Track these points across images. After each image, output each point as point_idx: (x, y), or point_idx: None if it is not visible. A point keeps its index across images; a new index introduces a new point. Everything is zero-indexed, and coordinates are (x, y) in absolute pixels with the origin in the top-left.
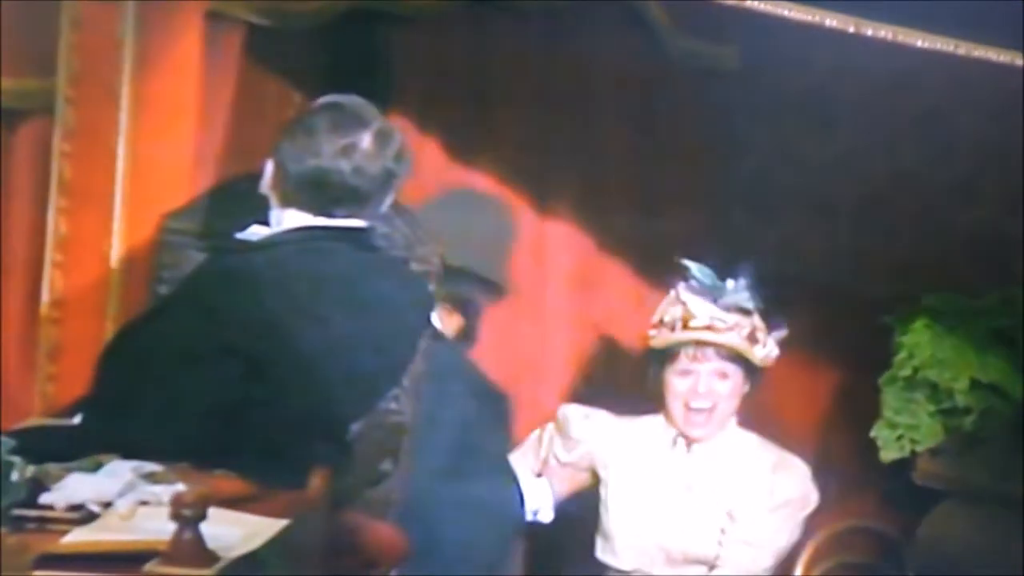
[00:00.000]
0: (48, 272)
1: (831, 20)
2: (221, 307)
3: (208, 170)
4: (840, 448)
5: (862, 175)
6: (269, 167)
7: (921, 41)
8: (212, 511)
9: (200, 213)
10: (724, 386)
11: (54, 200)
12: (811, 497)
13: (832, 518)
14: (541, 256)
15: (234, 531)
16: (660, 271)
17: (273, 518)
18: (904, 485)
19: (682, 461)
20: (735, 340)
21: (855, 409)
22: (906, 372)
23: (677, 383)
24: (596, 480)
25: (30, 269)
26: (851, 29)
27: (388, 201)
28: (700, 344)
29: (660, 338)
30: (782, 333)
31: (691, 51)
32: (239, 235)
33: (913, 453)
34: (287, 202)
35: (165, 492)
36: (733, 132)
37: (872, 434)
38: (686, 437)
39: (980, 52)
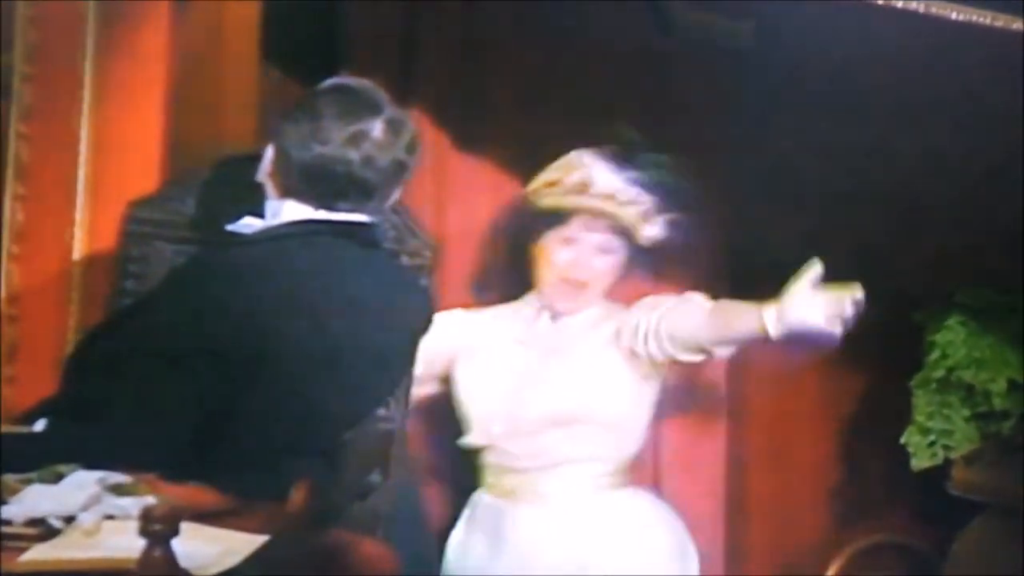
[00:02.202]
0: (4, 265)
1: None
2: (208, 306)
3: (179, 154)
4: (868, 456)
5: (890, 161)
6: (269, 153)
7: (956, 14)
8: (185, 526)
9: (170, 202)
10: (605, 262)
11: (10, 186)
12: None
13: (860, 533)
14: None
15: (209, 548)
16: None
17: (251, 534)
18: (937, 496)
19: (545, 330)
20: (630, 215)
21: (884, 413)
22: (939, 373)
23: (557, 252)
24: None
25: None
26: (879, 1)
27: (396, 195)
28: (594, 213)
29: (551, 199)
30: (674, 217)
31: (702, 26)
32: (230, 227)
33: (947, 461)
34: (287, 192)
35: (133, 505)
36: (748, 115)
37: (903, 440)
38: (553, 309)
39: (1020, 25)
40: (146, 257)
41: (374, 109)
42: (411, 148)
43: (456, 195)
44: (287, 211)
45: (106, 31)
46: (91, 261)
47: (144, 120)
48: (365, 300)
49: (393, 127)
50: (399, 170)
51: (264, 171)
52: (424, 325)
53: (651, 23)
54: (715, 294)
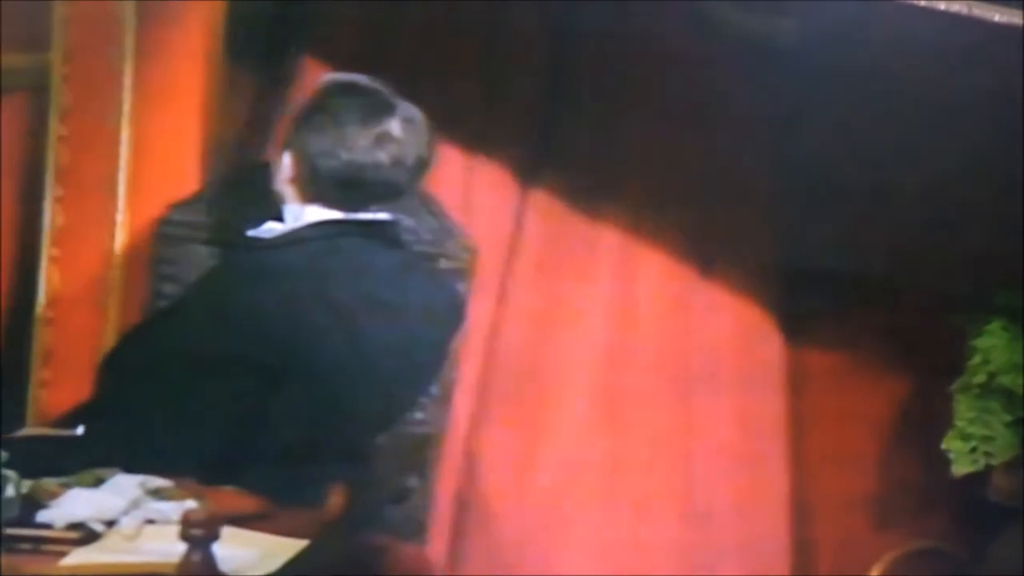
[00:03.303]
0: (43, 267)
1: None
2: (237, 310)
3: (218, 156)
4: (907, 461)
5: (929, 160)
6: (287, 161)
7: (998, 16)
8: (224, 530)
9: (208, 204)
10: None
11: (50, 189)
12: None
13: (899, 539)
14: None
15: (248, 552)
16: (702, 262)
17: (290, 538)
18: (977, 502)
19: None
20: None
21: (924, 419)
22: (980, 378)
23: None
24: None
25: (15, 264)
26: (921, 3)
27: (417, 192)
28: None
29: None
30: None
31: (743, 25)
32: (252, 232)
33: (987, 467)
34: (310, 198)
35: (173, 510)
36: (788, 113)
37: (943, 446)
38: None
39: None
40: (181, 259)
41: (389, 107)
42: (431, 142)
43: (485, 200)
44: (310, 215)
45: (144, 31)
46: (129, 264)
47: (183, 120)
48: (393, 298)
49: (409, 123)
50: (423, 166)
51: (283, 179)
52: (454, 322)
53: (690, 21)
54: (753, 294)
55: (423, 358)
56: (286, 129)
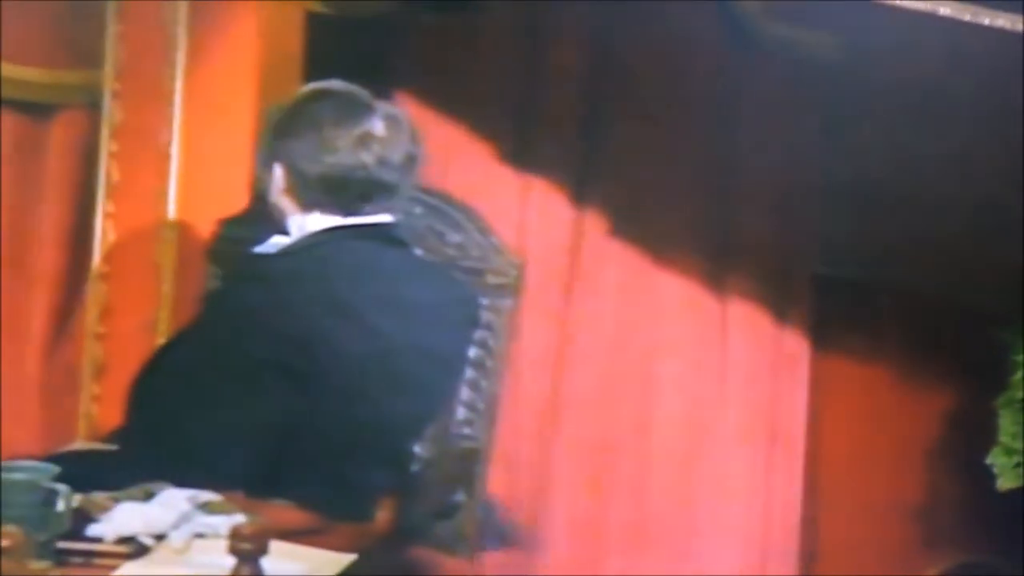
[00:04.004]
0: (95, 283)
1: (945, 8)
2: (253, 321)
3: None
4: (952, 476)
5: (975, 173)
6: (278, 171)
7: None
8: (273, 545)
9: (259, 219)
10: None
11: (101, 204)
12: None
13: (944, 554)
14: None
15: (297, 566)
16: (735, 275)
17: (339, 552)
18: (1022, 517)
19: None
20: None
21: (968, 433)
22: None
23: None
24: None
25: (64, 279)
26: (967, 18)
27: (411, 189)
28: None
29: None
30: None
31: (785, 39)
32: (257, 249)
33: None
34: (308, 206)
35: (223, 524)
36: (830, 127)
37: (988, 461)
38: None
39: None
40: (228, 276)
41: (367, 108)
42: (416, 139)
43: (536, 214)
44: (312, 223)
45: (195, 48)
46: (180, 279)
47: (233, 137)
48: (405, 298)
49: (392, 122)
50: (412, 163)
51: (277, 191)
52: (471, 318)
53: (731, 34)
54: (796, 307)
55: (444, 352)
56: (266, 142)
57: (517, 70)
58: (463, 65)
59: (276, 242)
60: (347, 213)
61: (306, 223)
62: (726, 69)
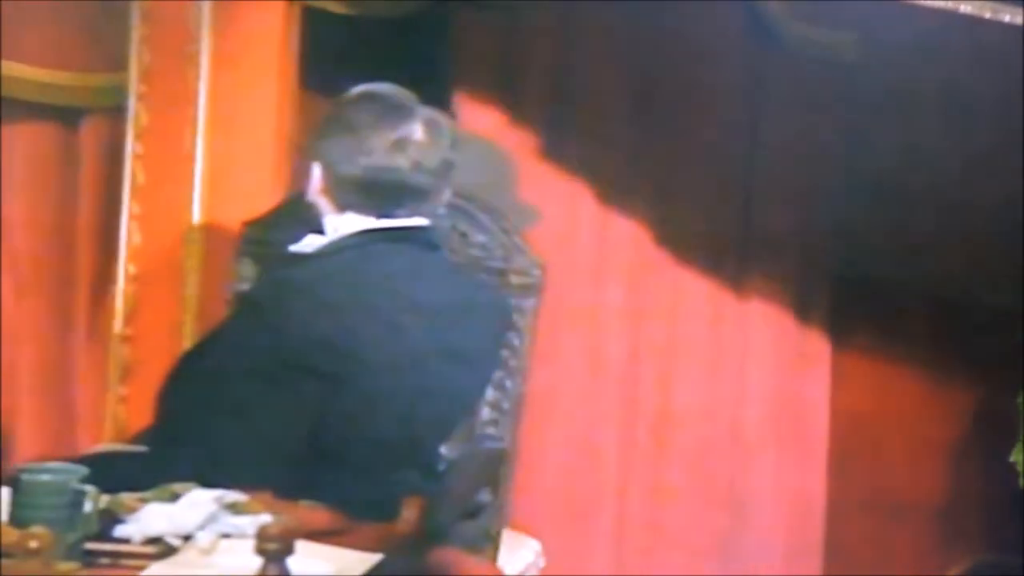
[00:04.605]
0: (121, 285)
1: (966, 6)
2: (284, 322)
3: (292, 174)
4: (975, 474)
5: (999, 174)
6: (316, 171)
7: None
8: (299, 544)
9: (283, 222)
10: None
11: (127, 206)
12: None
13: (967, 552)
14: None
15: (323, 566)
16: (756, 273)
17: (365, 552)
18: None
19: None
20: None
21: (992, 432)
22: None
23: None
24: None
25: (97, 281)
26: (987, 15)
27: (447, 194)
28: None
29: None
30: None
31: (808, 38)
32: (292, 248)
33: None
34: (343, 206)
35: (249, 524)
36: (852, 126)
37: (1011, 459)
38: None
39: None
40: (259, 277)
41: (408, 112)
42: (454, 145)
43: (558, 212)
44: (347, 224)
45: (219, 49)
46: (205, 282)
47: (258, 139)
48: (437, 302)
49: (431, 127)
50: (447, 169)
51: (315, 190)
52: (500, 322)
53: (757, 38)
54: (817, 305)
55: (472, 356)
56: (310, 141)
57: (550, 67)
58: (498, 63)
59: (311, 241)
60: (381, 215)
61: (340, 224)
62: (749, 68)
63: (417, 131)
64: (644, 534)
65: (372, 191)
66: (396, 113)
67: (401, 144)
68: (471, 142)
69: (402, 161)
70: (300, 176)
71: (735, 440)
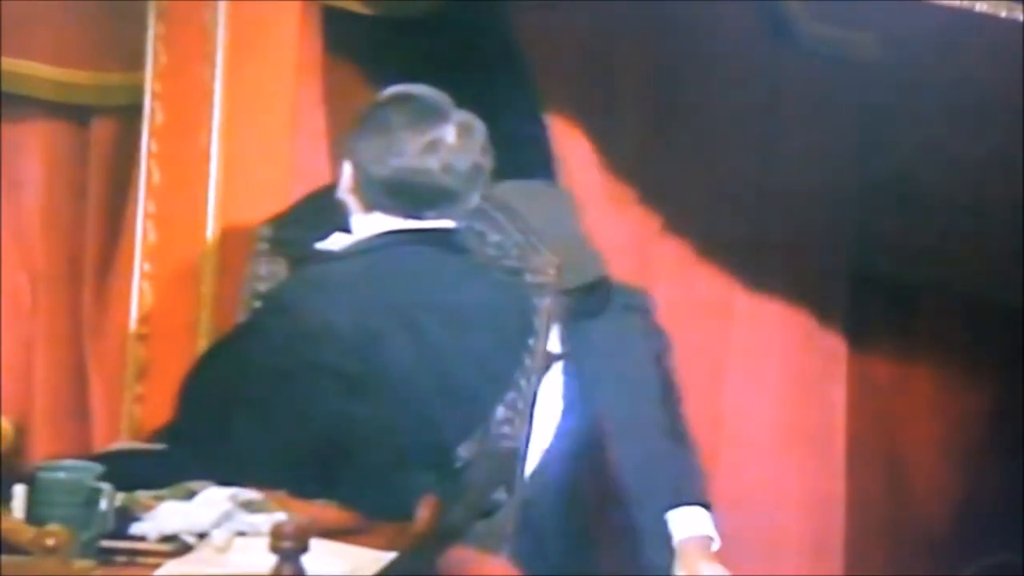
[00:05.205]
0: (137, 283)
1: (981, 5)
2: (307, 322)
3: (307, 173)
4: (993, 473)
5: (1016, 174)
6: (347, 170)
7: None
8: (314, 543)
9: (299, 221)
10: None
11: (143, 205)
12: None
13: (986, 550)
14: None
15: (338, 565)
16: (773, 274)
17: (380, 551)
18: None
19: None
20: None
21: (1010, 433)
22: None
23: None
24: None
25: (108, 280)
26: (1003, 14)
27: (476, 198)
28: None
29: None
30: None
31: (823, 38)
32: (319, 245)
33: None
34: (371, 206)
35: (264, 522)
36: (870, 126)
37: None
38: None
39: None
40: (275, 276)
41: (442, 115)
42: (486, 149)
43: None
44: (374, 224)
45: (235, 48)
46: (221, 280)
47: (274, 138)
48: (461, 305)
49: (465, 130)
50: (478, 173)
51: (344, 188)
52: (524, 327)
53: (774, 36)
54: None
55: (495, 360)
56: (344, 139)
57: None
58: (527, 63)
59: (338, 240)
60: (409, 216)
61: (368, 223)
62: (767, 68)
63: (450, 134)
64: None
65: (401, 192)
66: (429, 115)
67: (433, 146)
68: (528, 187)
69: (433, 163)
70: (318, 174)
71: (753, 440)
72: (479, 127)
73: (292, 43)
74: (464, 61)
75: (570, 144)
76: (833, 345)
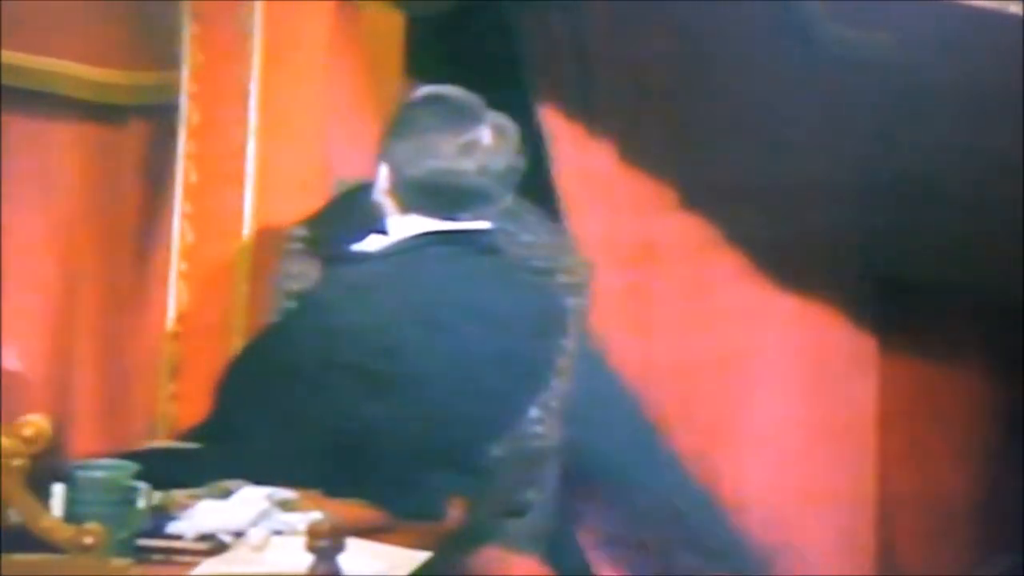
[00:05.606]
0: (173, 283)
1: (1015, 6)
2: (339, 323)
3: (341, 172)
4: (1011, 476)
5: None
6: (383, 171)
7: None
8: (350, 542)
9: (332, 221)
10: None
11: (179, 205)
12: None
13: (1008, 551)
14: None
15: (374, 564)
16: (802, 274)
17: (414, 550)
18: None
19: None
20: None
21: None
22: None
23: None
24: None
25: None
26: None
27: (509, 199)
28: None
29: None
30: None
31: (843, 40)
32: (355, 247)
33: None
34: (408, 208)
35: (300, 521)
36: (897, 126)
37: None
38: None
39: None
40: (307, 275)
41: (476, 116)
42: (519, 150)
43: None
44: (411, 225)
45: (270, 48)
46: (255, 279)
47: (309, 136)
48: (493, 306)
49: (499, 132)
50: (512, 174)
51: (381, 190)
52: (555, 330)
53: (793, 38)
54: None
55: (525, 361)
56: (380, 141)
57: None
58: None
59: (374, 241)
60: (444, 218)
61: (404, 225)
62: (791, 69)
63: (486, 135)
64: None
65: (437, 194)
66: (463, 116)
67: (469, 147)
68: None
69: (469, 165)
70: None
71: (783, 440)
72: (512, 128)
73: (326, 42)
74: (495, 60)
75: (590, 145)
76: (862, 344)
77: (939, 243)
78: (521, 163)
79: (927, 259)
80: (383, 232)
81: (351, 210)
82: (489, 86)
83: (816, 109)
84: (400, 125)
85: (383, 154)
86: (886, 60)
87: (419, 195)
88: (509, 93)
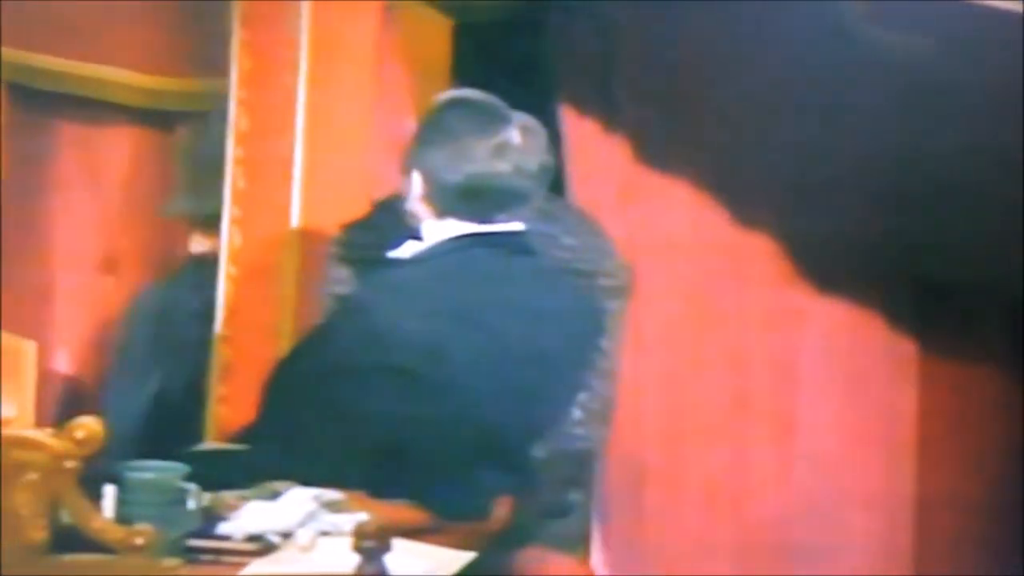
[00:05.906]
0: (223, 286)
1: None
2: (384, 325)
3: (388, 177)
4: None
5: None
6: (417, 179)
7: None
8: (396, 542)
9: (376, 226)
10: None
11: (228, 210)
12: None
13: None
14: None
15: (420, 564)
16: (843, 278)
17: (459, 550)
18: None
19: None
20: None
21: None
22: None
23: None
24: None
25: None
26: None
27: (543, 197)
28: None
29: None
30: None
31: (884, 42)
32: (391, 254)
33: None
34: (444, 213)
35: (347, 522)
36: (935, 129)
37: None
38: None
39: None
40: (350, 279)
41: (504, 117)
42: (548, 148)
43: (650, 213)
44: (447, 230)
45: (318, 54)
46: (302, 283)
47: (356, 142)
48: (533, 307)
49: (527, 131)
50: (545, 172)
51: (415, 197)
52: (594, 330)
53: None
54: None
55: (564, 362)
56: (408, 149)
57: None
58: (596, 65)
59: (410, 247)
60: (481, 220)
61: (440, 229)
62: (823, 70)
63: (515, 136)
64: (730, 534)
65: (475, 197)
66: (491, 118)
67: (501, 149)
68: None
69: (504, 166)
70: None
71: (824, 444)
72: (538, 127)
73: (373, 49)
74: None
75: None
76: (903, 348)
77: (977, 245)
78: (551, 161)
79: (966, 261)
80: (418, 238)
81: (395, 214)
82: (531, 91)
83: (851, 110)
84: (429, 132)
85: (414, 161)
86: (924, 62)
87: (457, 200)
88: (543, 96)
